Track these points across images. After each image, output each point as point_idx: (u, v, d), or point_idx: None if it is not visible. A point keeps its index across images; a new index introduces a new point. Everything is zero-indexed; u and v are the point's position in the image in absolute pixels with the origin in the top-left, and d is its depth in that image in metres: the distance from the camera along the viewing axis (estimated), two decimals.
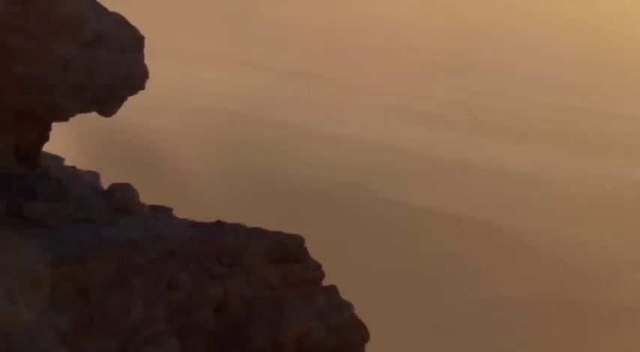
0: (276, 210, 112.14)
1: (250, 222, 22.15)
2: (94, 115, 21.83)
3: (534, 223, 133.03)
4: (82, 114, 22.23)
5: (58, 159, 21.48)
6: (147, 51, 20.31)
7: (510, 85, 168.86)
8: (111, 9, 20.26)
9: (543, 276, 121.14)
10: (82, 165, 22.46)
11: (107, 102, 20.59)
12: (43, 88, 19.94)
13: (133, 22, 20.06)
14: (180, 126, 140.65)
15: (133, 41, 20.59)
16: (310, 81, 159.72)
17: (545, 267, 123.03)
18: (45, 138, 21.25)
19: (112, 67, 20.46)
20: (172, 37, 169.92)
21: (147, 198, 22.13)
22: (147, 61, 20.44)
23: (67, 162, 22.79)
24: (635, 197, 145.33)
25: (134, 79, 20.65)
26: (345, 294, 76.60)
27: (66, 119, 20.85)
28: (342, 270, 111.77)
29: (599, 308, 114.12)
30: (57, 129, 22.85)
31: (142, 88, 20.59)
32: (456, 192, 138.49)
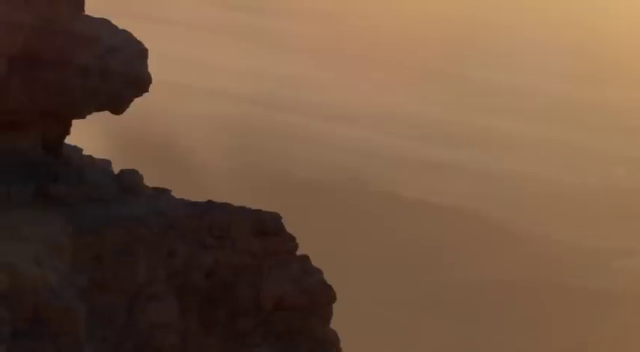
0: (282, 200, 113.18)
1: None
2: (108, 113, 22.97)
3: (520, 213, 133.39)
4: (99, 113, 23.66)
5: (77, 150, 22.62)
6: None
7: (498, 92, 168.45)
8: None
9: (528, 262, 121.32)
10: (105, 155, 23.46)
11: (117, 103, 21.84)
12: (65, 92, 21.16)
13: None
14: (200, 125, 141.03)
15: (139, 53, 21.89)
16: (315, 86, 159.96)
17: (529, 254, 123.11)
18: (66, 132, 22.41)
19: (121, 74, 21.61)
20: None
21: (168, 186, 23.02)
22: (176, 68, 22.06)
23: (89, 153, 23.47)
24: (616, 192, 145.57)
25: (140, 84, 21.97)
26: (344, 277, 77.72)
27: (84, 117, 21.82)
28: (341, 255, 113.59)
29: (580, 291, 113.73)
30: (81, 125, 23.50)
31: (147, 90, 21.96)
32: (446, 186, 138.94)
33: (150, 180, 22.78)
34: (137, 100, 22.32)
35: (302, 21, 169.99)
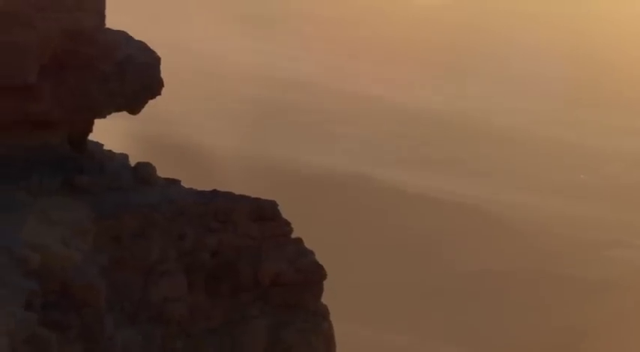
0: (290, 194, 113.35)
1: None
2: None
3: (518, 208, 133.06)
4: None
5: (99, 145, 23.35)
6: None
7: (498, 91, 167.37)
8: None
9: (524, 253, 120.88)
10: (123, 150, 24.13)
11: (133, 105, 23.01)
12: (88, 95, 22.18)
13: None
14: (214, 120, 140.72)
15: (153, 60, 22.84)
16: (324, 87, 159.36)
17: (527, 246, 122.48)
18: (89, 130, 22.97)
19: (137, 79, 22.55)
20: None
21: (182, 178, 23.56)
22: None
23: (110, 148, 24.13)
24: (610, 188, 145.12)
25: (153, 87, 22.87)
26: (350, 266, 78.68)
27: (104, 117, 22.69)
28: (347, 246, 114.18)
29: (576, 280, 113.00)
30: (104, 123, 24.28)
31: (159, 94, 23.01)
32: (448, 181, 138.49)
33: (164, 172, 23.43)
34: (157, 100, 23.15)
35: (312, 26, 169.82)
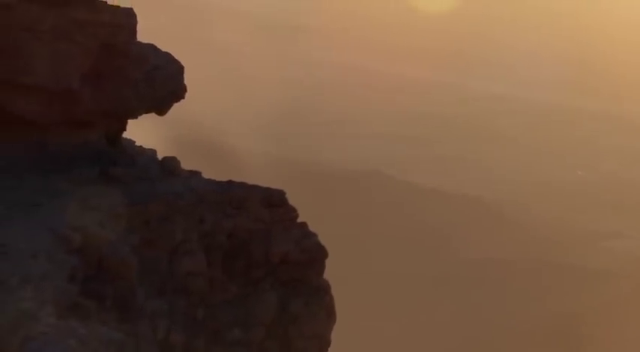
0: (310, 189, 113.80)
1: (290, 198, 23.48)
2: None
3: (519, 201, 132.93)
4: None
5: (130, 141, 23.82)
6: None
7: (500, 94, 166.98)
8: None
9: (525, 243, 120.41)
10: (152, 145, 24.55)
11: (161, 107, 23.60)
12: (122, 99, 22.80)
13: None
14: (240, 120, 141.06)
15: (177, 69, 23.45)
16: (341, 91, 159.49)
17: (527, 236, 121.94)
18: (123, 129, 23.55)
19: (163, 85, 23.15)
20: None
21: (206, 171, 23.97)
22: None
23: (141, 144, 24.66)
24: (606, 183, 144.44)
25: (178, 92, 23.51)
26: (365, 255, 79.28)
27: (136, 117, 23.28)
28: (362, 236, 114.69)
29: (574, 269, 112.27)
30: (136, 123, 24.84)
31: (183, 97, 23.53)
32: (455, 176, 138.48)
33: (193, 167, 23.78)
34: (187, 100, 23.50)
35: (329, 36, 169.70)
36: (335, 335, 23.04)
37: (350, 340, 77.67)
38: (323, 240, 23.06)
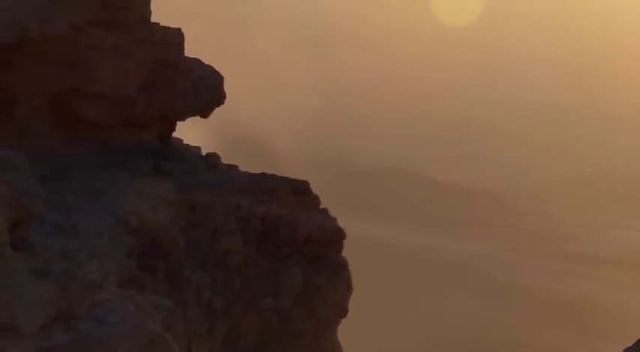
0: (342, 185, 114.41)
1: (322, 193, 23.95)
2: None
3: (530, 195, 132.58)
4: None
5: (179, 140, 24.41)
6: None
7: (515, 99, 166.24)
8: None
9: (540, 235, 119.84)
10: (198, 144, 24.99)
11: (204, 111, 24.21)
12: (172, 105, 23.50)
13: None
14: (280, 123, 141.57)
15: (218, 79, 24.10)
16: (367, 97, 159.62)
17: (541, 228, 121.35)
18: (173, 129, 24.11)
19: (206, 93, 23.80)
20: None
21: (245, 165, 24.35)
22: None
23: (188, 142, 24.99)
24: (611, 179, 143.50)
25: (219, 99, 24.15)
26: (388, 243, 79.17)
27: (183, 119, 23.87)
28: (387, 227, 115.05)
29: (585, 257, 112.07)
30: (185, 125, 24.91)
31: (223, 103, 24.20)
32: (472, 172, 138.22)
33: (233, 162, 24.38)
34: (231, 105, 24.44)
35: (359, 47, 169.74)
36: (364, 310, 23.36)
37: (380, 314, 78.61)
38: (353, 228, 23.38)
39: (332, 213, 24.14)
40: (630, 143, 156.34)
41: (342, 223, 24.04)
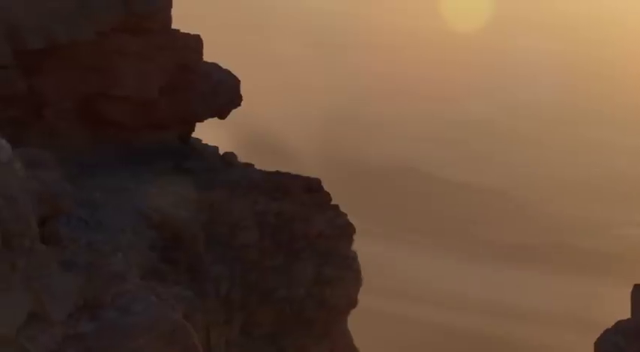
0: (355, 184, 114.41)
1: (336, 192, 23.92)
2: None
3: (539, 193, 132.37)
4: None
5: (198, 140, 24.72)
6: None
7: (523, 101, 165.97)
8: None
9: (546, 231, 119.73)
10: (216, 143, 25.22)
11: (222, 113, 24.54)
12: (191, 106, 23.92)
13: None
14: (295, 124, 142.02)
15: (235, 82, 24.49)
16: (379, 99, 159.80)
17: (547, 224, 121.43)
18: (192, 130, 24.55)
19: (224, 95, 24.24)
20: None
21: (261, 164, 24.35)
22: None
23: (206, 142, 25.26)
24: (618, 178, 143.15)
25: (235, 101, 24.50)
26: (402, 242, 79.61)
27: (202, 121, 24.22)
28: (396, 225, 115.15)
29: (589, 253, 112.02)
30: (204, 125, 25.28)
31: (240, 105, 24.56)
32: (482, 171, 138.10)
33: (251, 161, 24.63)
34: (249, 106, 24.61)
35: (370, 51, 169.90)
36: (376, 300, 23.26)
37: (389, 304, 78.78)
38: (366, 225, 23.85)
39: (345, 209, 24.27)
40: (636, 144, 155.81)
41: (353, 220, 24.30)
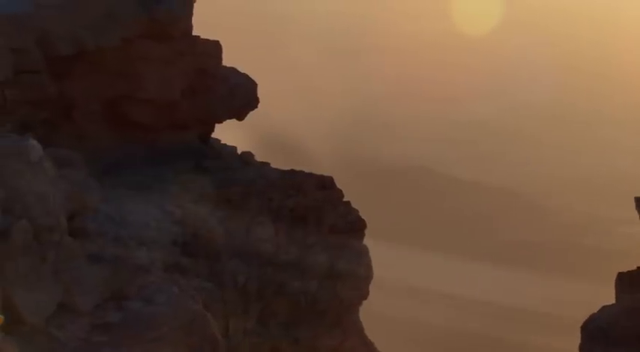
0: (370, 183, 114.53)
1: (349, 191, 23.98)
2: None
3: (546, 191, 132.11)
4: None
5: (217, 140, 24.69)
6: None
7: (529, 102, 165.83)
8: None
9: (553, 228, 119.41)
10: (235, 143, 25.31)
11: (239, 114, 24.63)
12: (211, 108, 24.02)
13: None
14: (312, 126, 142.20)
15: (252, 85, 24.64)
16: (395, 101, 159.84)
17: (554, 222, 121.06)
18: (211, 131, 24.60)
19: (241, 98, 24.35)
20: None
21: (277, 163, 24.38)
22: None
23: (225, 142, 25.25)
24: (622, 177, 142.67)
25: (252, 103, 24.73)
26: (413, 239, 79.63)
27: (221, 122, 24.28)
28: (408, 222, 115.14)
29: (593, 250, 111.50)
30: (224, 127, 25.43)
31: (257, 107, 24.80)
32: (491, 170, 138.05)
33: (268, 160, 24.71)
34: (267, 109, 25.11)
35: (383, 55, 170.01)
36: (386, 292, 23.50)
37: (398, 298, 78.86)
38: (378, 223, 23.97)
39: (357, 207, 24.21)
40: (637, 144, 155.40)
41: (365, 215, 24.39)
